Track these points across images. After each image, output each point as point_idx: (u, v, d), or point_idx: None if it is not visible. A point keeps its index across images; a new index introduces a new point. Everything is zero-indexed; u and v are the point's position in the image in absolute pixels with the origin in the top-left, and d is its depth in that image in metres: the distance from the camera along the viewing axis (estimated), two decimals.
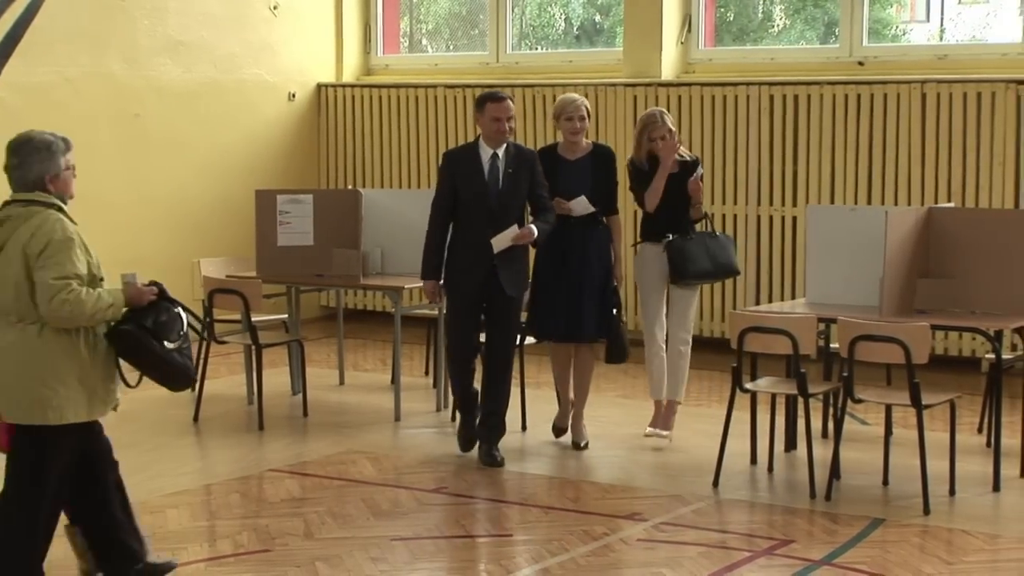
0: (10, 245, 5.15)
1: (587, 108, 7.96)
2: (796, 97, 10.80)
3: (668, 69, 11.49)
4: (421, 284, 7.85)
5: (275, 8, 12.51)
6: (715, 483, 7.16)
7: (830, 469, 7.02)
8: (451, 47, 14.36)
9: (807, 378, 7.00)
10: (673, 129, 7.97)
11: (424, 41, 14.55)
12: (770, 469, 7.49)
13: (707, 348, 10.20)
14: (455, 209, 7.57)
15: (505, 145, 7.54)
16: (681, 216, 7.94)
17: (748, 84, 10.99)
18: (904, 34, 13.53)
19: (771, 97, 10.90)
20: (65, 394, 5.15)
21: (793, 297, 10.34)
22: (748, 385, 7.32)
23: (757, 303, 10.73)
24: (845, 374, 6.95)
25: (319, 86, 13.01)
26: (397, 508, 6.89)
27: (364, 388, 9.89)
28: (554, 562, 6.05)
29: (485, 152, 7.54)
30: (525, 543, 6.34)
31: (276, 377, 9.59)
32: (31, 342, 5.13)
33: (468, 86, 12.24)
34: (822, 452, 7.33)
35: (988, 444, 7.65)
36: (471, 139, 12.41)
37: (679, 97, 11.24)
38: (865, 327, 6.86)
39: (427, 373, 10.06)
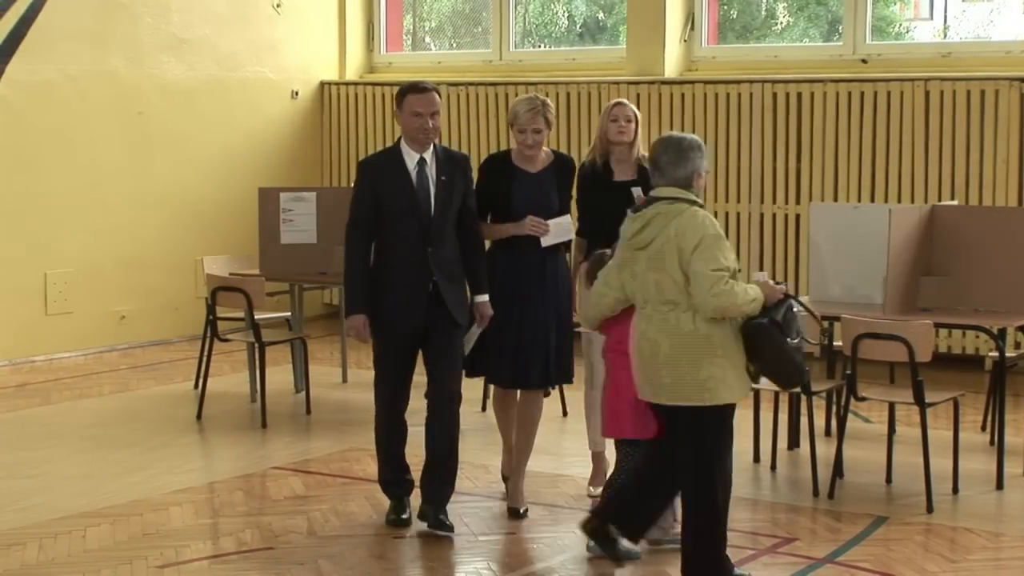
0: (659, 240, 5.40)
1: (548, 116, 6.60)
2: (799, 95, 10.78)
3: (671, 67, 11.48)
4: (346, 322, 6.37)
5: (278, 6, 12.51)
6: None
7: (833, 467, 7.01)
8: (454, 45, 14.36)
9: (811, 376, 6.99)
10: (635, 117, 6.87)
11: (427, 39, 14.55)
12: (773, 467, 7.49)
13: None
14: (377, 227, 6.28)
15: (432, 147, 6.30)
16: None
17: (751, 82, 10.98)
18: (908, 32, 13.54)
19: (774, 95, 10.89)
20: (722, 376, 5.39)
21: (798, 294, 10.31)
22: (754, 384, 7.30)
23: None
24: (848, 372, 6.95)
25: (322, 84, 13.01)
26: None
27: (367, 386, 9.72)
28: (557, 561, 6.04)
29: (410, 157, 6.27)
30: (528, 541, 6.33)
31: (279, 375, 9.59)
32: (693, 328, 5.36)
33: (471, 84, 12.24)
34: (825, 450, 7.32)
35: (991, 442, 7.64)
36: (478, 137, 12.61)
37: (682, 95, 11.23)
38: (869, 325, 6.86)
39: None
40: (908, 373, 6.74)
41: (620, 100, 6.93)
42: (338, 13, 13.06)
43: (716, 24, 12.00)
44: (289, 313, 9.62)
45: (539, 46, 13.51)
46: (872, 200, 10.48)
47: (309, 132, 12.96)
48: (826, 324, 6.96)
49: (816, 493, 6.93)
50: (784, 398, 7.74)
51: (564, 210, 6.66)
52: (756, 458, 7.57)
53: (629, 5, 11.71)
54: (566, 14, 13.83)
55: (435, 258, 6.23)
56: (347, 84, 13.01)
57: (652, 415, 5.61)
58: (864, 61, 10.88)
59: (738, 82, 11.04)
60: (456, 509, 6.81)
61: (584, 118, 11.62)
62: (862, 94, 10.55)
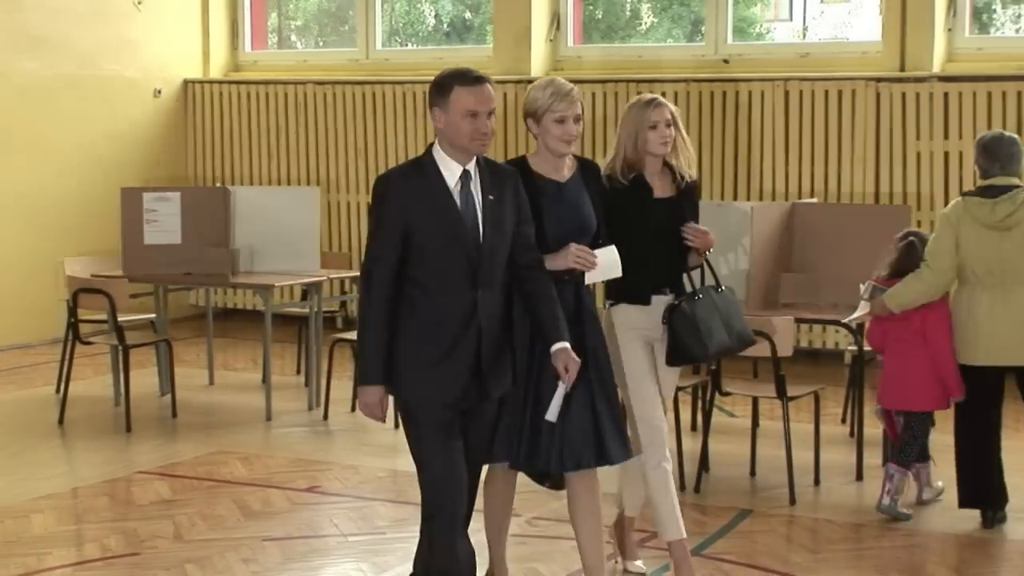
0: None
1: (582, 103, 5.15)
2: (663, 94, 10.85)
3: (537, 66, 11.55)
4: (358, 394, 4.67)
5: (139, 3, 12.32)
6: None
7: (699, 462, 7.11)
8: (320, 43, 14.28)
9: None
10: (676, 118, 5.51)
11: (293, 37, 14.45)
12: None
13: None
14: (408, 266, 4.58)
15: (475, 159, 4.66)
16: (677, 262, 5.49)
17: (616, 81, 11.09)
18: (768, 32, 13.76)
19: (638, 95, 10.95)
20: None
21: None
22: None
23: None
24: (713, 368, 7.06)
25: (186, 82, 12.85)
26: (268, 508, 6.83)
27: (234, 388, 9.79)
28: None
29: (450, 171, 4.59)
30: (398, 540, 6.33)
31: (144, 378, 9.46)
32: None
33: (337, 83, 12.20)
34: (691, 445, 7.43)
35: (851, 434, 7.81)
36: (345, 137, 12.58)
37: None
38: None
39: (298, 372, 9.99)
40: (771, 368, 6.87)
41: (655, 97, 5.50)
42: (201, 10, 12.90)
43: (581, 24, 12.10)
44: (154, 315, 9.49)
45: (406, 45, 13.49)
46: (735, 198, 10.64)
47: (172, 131, 12.79)
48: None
49: (682, 487, 7.02)
50: None
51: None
52: None
53: (495, 5, 11.76)
54: (433, 13, 13.83)
55: (484, 306, 4.60)
56: (211, 82, 12.86)
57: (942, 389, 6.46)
58: (726, 61, 11.05)
59: (603, 82, 11.14)
60: (325, 510, 6.79)
61: None
62: (724, 94, 10.72)
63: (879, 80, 10.28)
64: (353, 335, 8.94)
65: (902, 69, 10.30)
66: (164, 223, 9.09)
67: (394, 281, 4.55)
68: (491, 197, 4.64)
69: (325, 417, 8.65)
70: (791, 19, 14.94)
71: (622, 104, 11.00)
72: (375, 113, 12.06)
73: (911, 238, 6.67)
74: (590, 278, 5.12)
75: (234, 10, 13.08)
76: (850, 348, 8.28)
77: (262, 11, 13.48)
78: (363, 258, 4.70)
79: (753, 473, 7.34)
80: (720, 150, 10.78)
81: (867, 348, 7.11)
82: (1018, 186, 6.37)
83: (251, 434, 8.41)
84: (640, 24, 13.23)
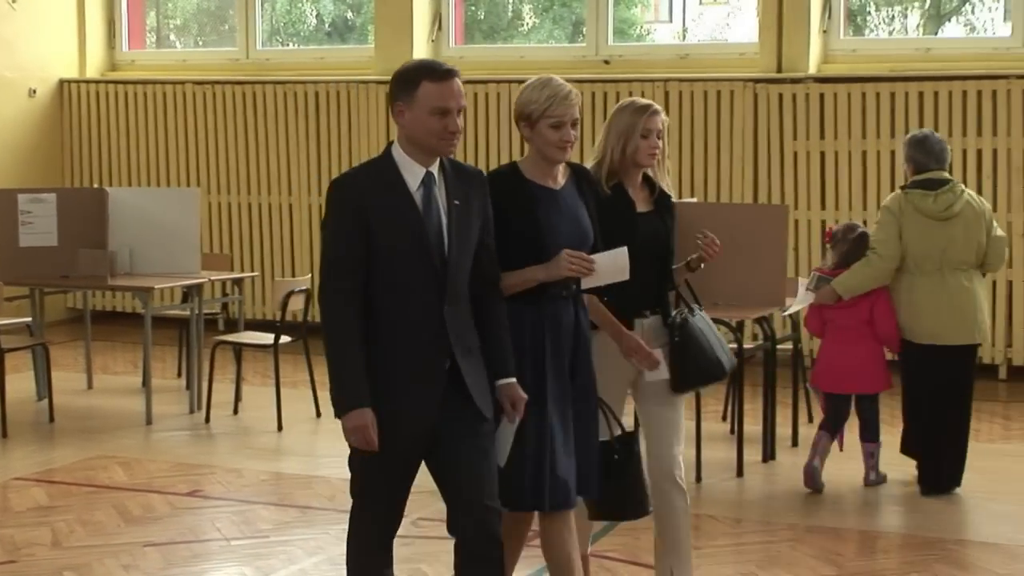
0: (967, 211, 6.85)
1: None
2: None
3: None
4: (341, 422, 4.17)
5: (14, 2, 12.08)
6: None
7: None
8: (200, 43, 14.12)
9: None
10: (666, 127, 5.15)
11: (172, 36, 14.27)
12: None
13: None
14: (367, 278, 4.18)
15: (439, 160, 4.27)
16: (661, 281, 5.11)
17: (498, 82, 11.12)
18: (648, 34, 13.89)
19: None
20: (984, 321, 6.97)
21: None
22: None
23: None
24: None
25: (62, 82, 12.63)
26: (150, 513, 6.75)
27: (114, 392, 9.65)
28: (310, 563, 6.02)
29: (411, 174, 4.20)
30: (281, 544, 6.29)
31: (20, 383, 9.28)
32: (981, 283, 6.98)
33: (217, 82, 12.08)
34: None
35: (732, 431, 7.91)
36: (227, 138, 12.47)
37: None
38: None
39: (179, 375, 9.88)
40: None
41: (651, 103, 5.12)
42: (77, 10, 12.69)
43: (463, 24, 12.12)
44: (30, 318, 9.32)
45: (287, 45, 13.40)
46: None
47: (48, 131, 12.56)
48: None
49: None
50: None
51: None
52: None
53: (376, 4, 11.73)
54: (314, 12, 13.76)
55: (452, 321, 4.20)
56: (88, 82, 12.65)
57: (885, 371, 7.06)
58: (607, 62, 11.14)
59: (485, 82, 11.17)
60: (207, 514, 6.72)
61: (333, 118, 11.61)
62: (605, 94, 10.79)
63: (757, 81, 10.43)
64: (235, 337, 8.89)
65: (779, 70, 10.46)
66: (39, 225, 8.93)
67: (360, 292, 4.13)
68: (456, 202, 4.21)
69: (207, 420, 8.57)
70: (671, 21, 15.10)
71: (504, 104, 11.09)
72: (256, 113, 11.96)
73: (860, 230, 7.13)
74: (588, 283, 4.64)
75: (111, 9, 12.88)
76: (730, 346, 8.37)
77: (140, 10, 13.29)
78: (320, 274, 4.22)
79: None
80: (590, 147, 10.82)
81: (748, 346, 7.21)
82: (952, 179, 6.99)
83: (131, 438, 8.30)
84: (522, 25, 13.28)
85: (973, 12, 12.03)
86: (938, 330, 6.86)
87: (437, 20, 11.63)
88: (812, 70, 10.41)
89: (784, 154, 10.38)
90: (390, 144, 4.26)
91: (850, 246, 7.08)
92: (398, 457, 4.21)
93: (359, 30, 13.33)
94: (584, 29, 11.47)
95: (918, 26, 12.13)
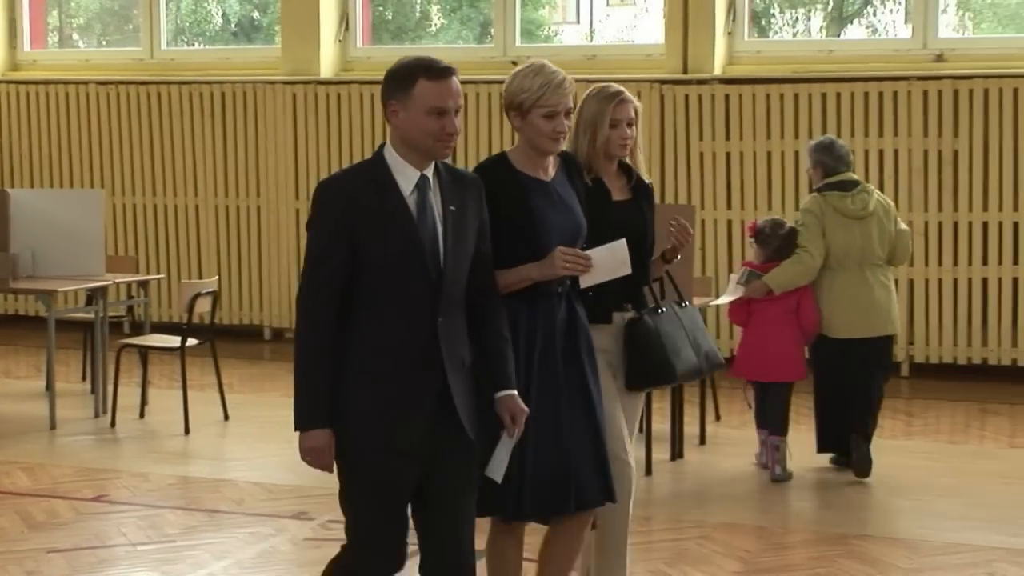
0: (878, 210, 7.28)
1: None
2: None
3: (327, 67, 11.49)
4: (298, 439, 3.92)
5: None
6: None
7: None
8: (104, 43, 13.95)
9: None
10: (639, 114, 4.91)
11: (75, 36, 14.09)
12: None
13: None
14: (354, 288, 3.91)
15: (433, 163, 3.99)
16: (639, 273, 4.74)
17: None
18: (556, 35, 13.95)
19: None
20: (897, 312, 7.42)
21: None
22: None
23: None
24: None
25: None
26: (54, 519, 6.65)
27: (16, 396, 9.50)
28: (219, 567, 5.97)
29: (405, 177, 3.93)
30: (189, 548, 6.24)
31: None
32: (891, 279, 7.38)
33: (121, 83, 11.95)
34: None
35: (640, 430, 7.95)
36: (130, 138, 12.32)
37: (338, 95, 11.27)
38: None
39: (84, 379, 9.75)
40: None
41: (620, 90, 4.86)
42: None
43: (370, 24, 12.08)
44: None
45: (192, 44, 13.28)
46: None
47: None
48: None
49: None
50: None
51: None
52: None
53: (283, 4, 11.66)
54: (220, 12, 13.65)
55: (445, 334, 3.94)
56: None
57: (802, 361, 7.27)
58: (514, 63, 11.14)
59: None
60: (113, 519, 6.64)
61: (240, 119, 11.53)
62: None
63: (663, 82, 10.51)
64: (141, 339, 8.79)
65: (685, 71, 10.55)
66: None
67: (337, 306, 3.87)
68: (452, 208, 3.95)
69: (112, 424, 8.47)
70: (578, 22, 15.15)
71: None
72: (161, 114, 11.84)
73: (788, 225, 7.35)
74: (587, 281, 4.42)
75: (12, 8, 12.68)
76: None
77: (41, 9, 13.10)
78: (300, 277, 3.98)
79: None
80: (499, 149, 10.85)
81: None
82: (861, 180, 7.42)
83: (34, 443, 8.18)
84: (430, 25, 13.28)
85: (875, 14, 12.22)
86: (858, 324, 7.17)
87: (344, 20, 11.59)
88: (717, 71, 10.51)
89: (690, 154, 10.47)
90: (382, 146, 4.00)
91: (781, 242, 7.29)
92: (391, 478, 3.91)
93: (266, 30, 13.24)
94: (492, 30, 11.49)
95: (821, 28, 12.30)
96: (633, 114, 4.81)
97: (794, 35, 12.11)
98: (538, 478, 4.32)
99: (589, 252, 4.38)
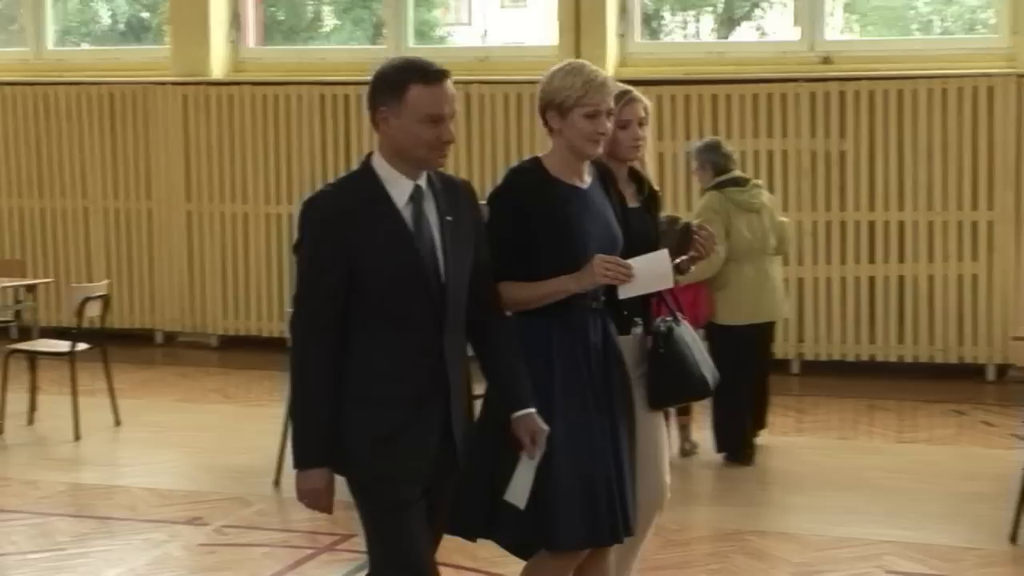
0: (768, 204, 7.65)
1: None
2: (347, 97, 10.93)
3: (217, 67, 11.38)
4: (296, 478, 3.71)
5: None
6: (277, 482, 7.16)
7: None
8: None
9: None
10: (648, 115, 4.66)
11: None
12: None
13: (266, 347, 10.19)
14: (352, 311, 3.64)
15: (425, 172, 3.73)
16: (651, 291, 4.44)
17: (299, 84, 11.04)
18: (449, 36, 13.94)
19: (322, 97, 11.00)
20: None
21: None
22: None
23: None
24: None
25: None
26: None
27: None
28: (112, 574, 5.90)
29: (399, 189, 3.68)
30: (81, 556, 6.15)
31: None
32: (779, 267, 7.82)
33: (7, 83, 11.75)
34: None
35: None
36: (20, 140, 12.10)
37: (230, 96, 11.17)
38: None
39: None
40: None
41: (628, 89, 4.59)
42: None
43: (262, 25, 12.00)
44: None
45: (80, 44, 13.09)
46: None
47: None
48: None
49: None
50: None
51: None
52: None
53: (172, 4, 11.53)
54: (108, 12, 13.46)
55: (451, 354, 3.72)
56: None
57: None
58: None
59: (286, 84, 11.07)
60: (3, 528, 6.53)
61: (129, 120, 11.39)
62: None
63: None
64: (29, 344, 8.67)
65: None
66: None
67: (336, 333, 3.60)
68: (449, 218, 3.70)
69: (0, 431, 8.32)
70: (471, 23, 15.17)
71: (304, 106, 11.02)
72: (48, 115, 11.65)
73: (683, 220, 7.31)
74: (626, 292, 4.15)
75: None
76: None
77: None
78: (293, 303, 3.70)
79: None
80: None
81: None
82: (748, 177, 7.86)
83: None
84: (322, 26, 13.21)
85: (763, 17, 12.38)
86: (765, 308, 7.58)
87: (235, 21, 11.49)
88: (610, 73, 10.56)
89: None
90: (368, 156, 3.73)
91: (679, 237, 7.32)
92: (407, 508, 3.67)
93: (155, 30, 13.09)
94: (384, 31, 11.46)
95: (711, 30, 12.43)
96: (643, 113, 4.57)
97: (685, 37, 12.23)
98: (574, 506, 4.05)
99: (630, 261, 4.11)
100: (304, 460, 3.63)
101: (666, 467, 4.62)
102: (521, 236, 4.05)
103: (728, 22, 12.39)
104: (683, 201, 9.98)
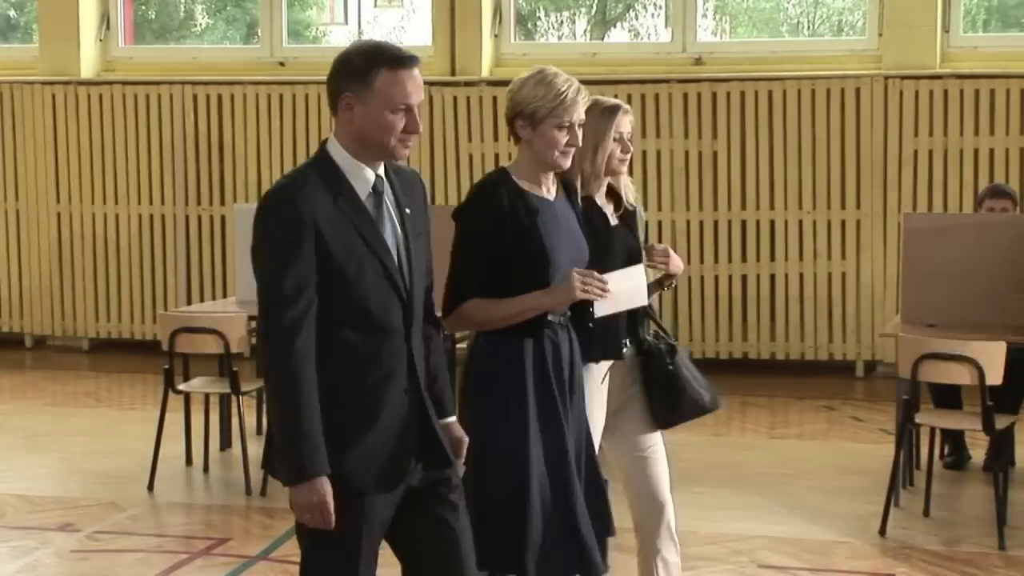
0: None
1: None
2: (220, 97, 10.81)
3: (88, 67, 11.20)
4: (294, 495, 3.38)
5: None
6: (150, 487, 7.08)
7: (265, 465, 7.10)
8: None
9: (240, 376, 7.08)
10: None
11: None
12: (206, 469, 7.49)
13: (139, 351, 10.06)
14: (319, 313, 3.40)
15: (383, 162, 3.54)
16: (637, 308, 4.40)
17: (171, 83, 10.91)
18: (325, 36, 13.87)
19: (195, 96, 10.87)
20: None
21: (225, 296, 10.36)
22: (181, 386, 7.30)
23: (189, 303, 10.68)
24: None
25: None
26: None
27: None
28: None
29: (360, 179, 3.48)
30: None
31: None
32: None
33: None
34: (257, 449, 7.40)
35: None
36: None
37: (100, 96, 11.00)
38: None
39: None
40: None
41: (619, 102, 4.58)
42: None
43: (133, 24, 11.83)
44: None
45: None
46: None
47: None
48: None
49: (248, 492, 6.99)
50: (214, 400, 7.76)
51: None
52: (188, 461, 7.53)
53: (40, 3, 11.31)
54: None
55: (418, 355, 3.55)
56: None
57: None
58: (282, 64, 11.07)
59: (158, 83, 10.93)
60: None
61: None
62: (280, 96, 10.73)
63: (431, 84, 10.52)
64: None
65: (453, 73, 10.63)
66: None
67: (312, 338, 3.35)
68: (408, 211, 3.52)
69: None
70: (347, 23, 15.10)
71: (176, 106, 10.88)
72: None
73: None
74: (602, 309, 4.03)
75: None
76: None
77: None
78: (262, 311, 3.40)
79: None
80: (279, 152, 10.78)
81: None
82: None
83: None
84: (195, 25, 13.06)
85: (636, 19, 12.50)
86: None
87: (105, 19, 11.32)
88: (485, 73, 10.61)
89: (459, 155, 10.54)
90: (324, 144, 3.52)
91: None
92: (369, 526, 3.46)
93: (23, 29, 12.84)
94: (259, 30, 11.36)
95: (585, 31, 12.53)
96: (630, 128, 4.51)
97: (559, 38, 12.30)
98: (553, 536, 3.98)
99: (607, 276, 3.99)
100: (302, 472, 3.35)
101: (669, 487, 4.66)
102: (495, 251, 3.94)
103: (602, 23, 12.48)
104: None
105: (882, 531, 6.28)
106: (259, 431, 7.96)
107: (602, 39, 12.23)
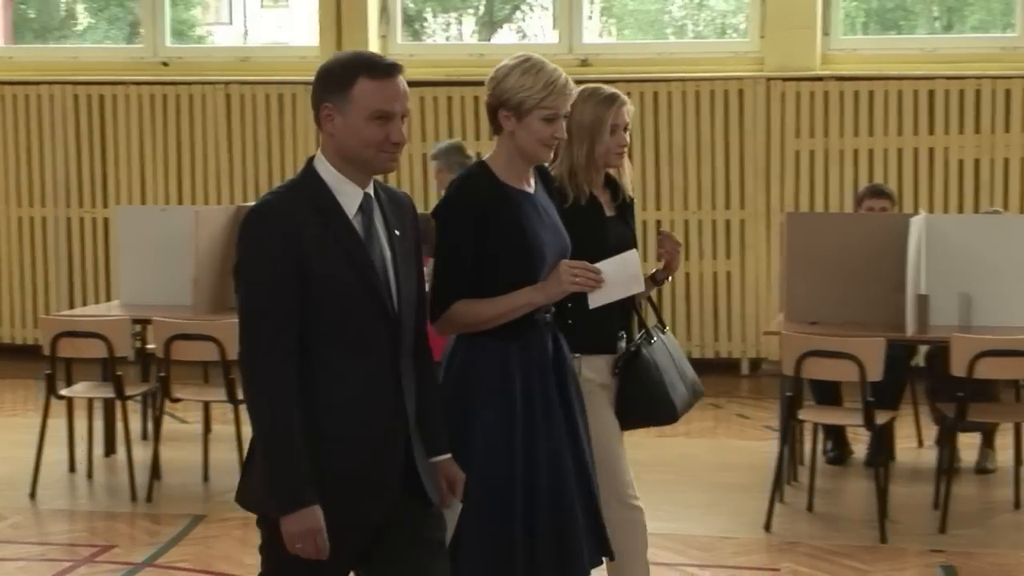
0: None
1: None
2: (102, 97, 10.67)
3: None
4: (284, 525, 3.19)
5: None
6: (32, 494, 6.96)
7: (151, 470, 7.03)
8: None
9: (124, 380, 6.99)
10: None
11: None
12: (90, 475, 7.39)
13: (19, 355, 9.89)
14: (302, 335, 3.25)
15: (372, 180, 3.40)
16: (630, 300, 4.32)
17: (52, 83, 10.74)
18: (209, 35, 13.73)
19: (76, 97, 10.72)
20: None
21: (108, 299, 10.22)
22: (63, 391, 7.19)
23: (71, 307, 10.53)
24: (162, 374, 7.00)
25: None
26: None
27: None
28: None
29: (347, 197, 3.33)
30: None
31: None
32: None
33: None
34: (142, 454, 7.33)
35: None
36: None
37: None
38: (180, 327, 6.93)
39: None
40: (220, 372, 6.90)
41: (615, 92, 4.42)
42: None
43: (11, 23, 11.62)
44: None
45: None
46: (180, 202, 10.56)
47: None
48: None
49: (134, 498, 6.91)
50: (97, 404, 7.66)
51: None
52: (72, 467, 7.43)
53: None
54: None
55: (407, 382, 3.39)
56: None
57: None
58: (165, 64, 10.94)
59: (37, 83, 10.76)
60: None
61: None
62: (164, 97, 10.61)
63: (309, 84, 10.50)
64: None
65: None
66: None
67: (296, 361, 3.20)
68: (397, 232, 3.36)
69: None
70: (231, 23, 14.96)
71: (57, 107, 10.71)
72: None
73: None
74: (596, 300, 3.88)
75: None
76: None
77: None
78: (243, 334, 3.25)
79: (206, 479, 7.32)
80: (163, 154, 10.66)
81: None
82: None
83: None
84: (76, 24, 12.86)
85: (524, 20, 12.54)
86: None
87: None
88: None
89: None
90: (311, 160, 3.38)
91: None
92: (338, 567, 3.32)
93: None
94: (141, 30, 11.22)
95: (473, 32, 12.54)
96: (629, 118, 4.41)
97: (447, 39, 12.30)
98: (548, 539, 3.86)
99: (598, 265, 3.86)
100: (293, 501, 3.18)
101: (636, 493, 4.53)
102: (481, 247, 3.80)
103: (489, 24, 12.51)
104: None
105: (767, 526, 6.38)
106: (144, 435, 7.86)
107: (489, 40, 12.25)
